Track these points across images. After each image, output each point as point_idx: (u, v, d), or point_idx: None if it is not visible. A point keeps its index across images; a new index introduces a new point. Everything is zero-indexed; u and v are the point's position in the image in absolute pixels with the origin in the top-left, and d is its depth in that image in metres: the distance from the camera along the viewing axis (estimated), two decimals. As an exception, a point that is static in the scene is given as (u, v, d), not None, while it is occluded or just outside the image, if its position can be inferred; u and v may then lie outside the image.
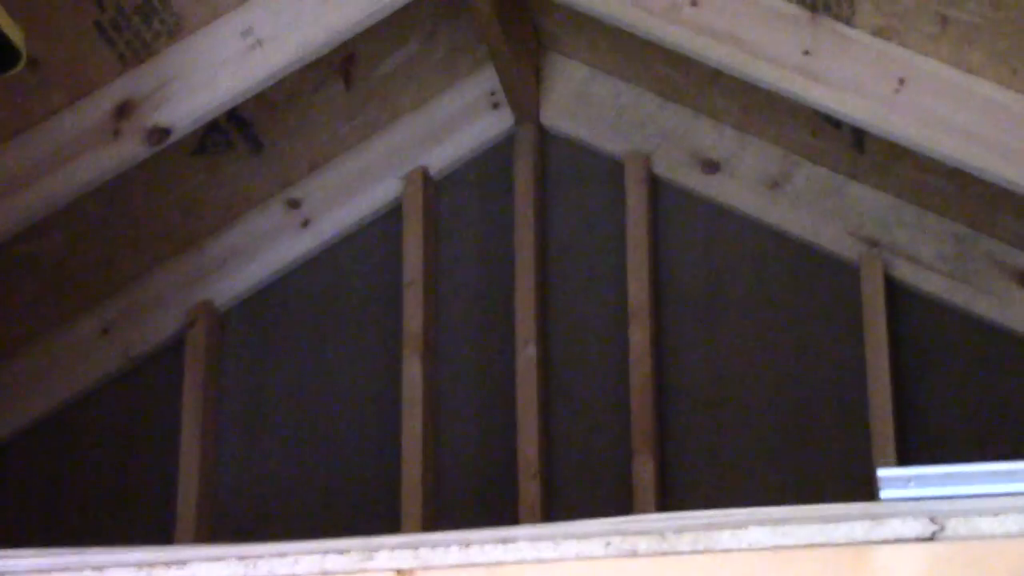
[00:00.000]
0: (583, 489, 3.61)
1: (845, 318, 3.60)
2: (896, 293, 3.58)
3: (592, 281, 3.73)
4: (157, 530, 3.62)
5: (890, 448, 3.45)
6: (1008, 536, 1.45)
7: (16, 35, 2.50)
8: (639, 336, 3.62)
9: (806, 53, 3.07)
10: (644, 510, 3.48)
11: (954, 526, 1.47)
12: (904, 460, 3.42)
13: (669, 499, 3.57)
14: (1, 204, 3.15)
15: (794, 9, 3.08)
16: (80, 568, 1.51)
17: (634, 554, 1.51)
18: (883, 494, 1.53)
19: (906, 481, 1.52)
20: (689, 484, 3.59)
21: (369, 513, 3.61)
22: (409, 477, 3.57)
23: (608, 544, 1.51)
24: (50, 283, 3.60)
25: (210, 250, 3.76)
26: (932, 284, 3.57)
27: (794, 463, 3.55)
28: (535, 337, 3.65)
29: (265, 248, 3.78)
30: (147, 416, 3.75)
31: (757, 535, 1.49)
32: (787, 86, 3.10)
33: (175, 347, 3.75)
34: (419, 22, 3.57)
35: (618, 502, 3.52)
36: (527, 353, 3.64)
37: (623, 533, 1.50)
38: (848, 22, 3.03)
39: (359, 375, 3.73)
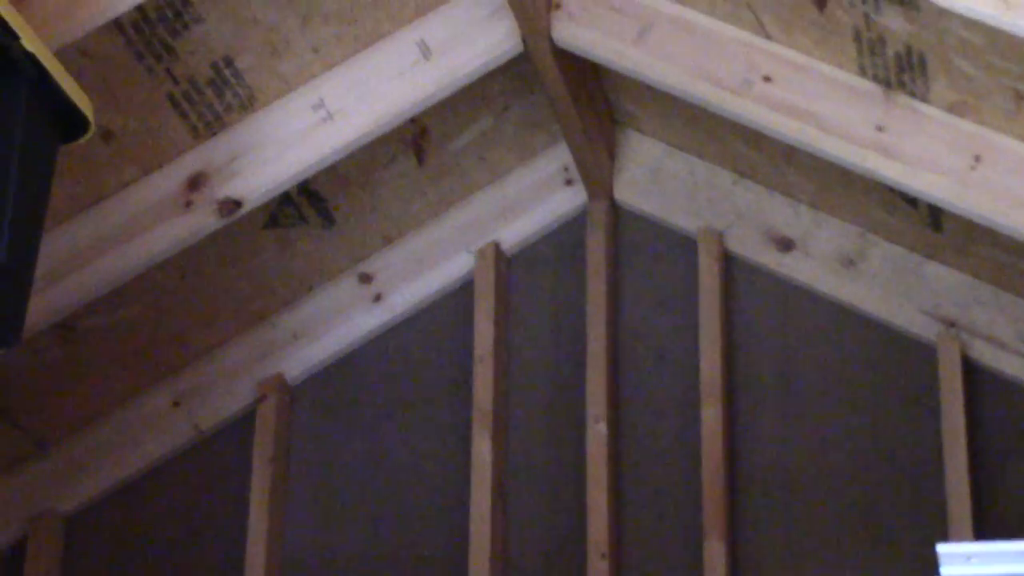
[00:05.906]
0: (653, 570, 3.55)
1: (922, 399, 3.54)
2: (974, 374, 3.52)
3: (664, 359, 3.69)
4: (223, 605, 3.61)
5: (967, 533, 3.37)
6: (1071, 616, 1.40)
7: (84, 104, 2.51)
8: (711, 415, 3.58)
9: (880, 129, 3.04)
10: (714, 592, 3.43)
11: (1015, 605, 1.43)
12: (981, 545, 3.34)
13: (741, 582, 3.52)
14: (74, 276, 3.18)
15: (868, 85, 3.06)
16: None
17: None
18: (943, 570, 1.48)
19: (966, 558, 1.48)
20: (760, 569, 3.53)
21: (435, 590, 3.58)
22: (477, 554, 3.54)
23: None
24: (122, 355, 3.62)
25: (282, 324, 3.76)
26: (1011, 365, 3.50)
27: (868, 548, 3.49)
28: (605, 415, 3.62)
29: (337, 322, 3.78)
30: (217, 490, 3.74)
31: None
32: (861, 163, 3.07)
33: (245, 421, 3.75)
34: (492, 98, 3.57)
35: (688, 584, 3.47)
36: (598, 430, 3.61)
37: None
38: (922, 98, 3.00)
39: (429, 451, 3.71)
